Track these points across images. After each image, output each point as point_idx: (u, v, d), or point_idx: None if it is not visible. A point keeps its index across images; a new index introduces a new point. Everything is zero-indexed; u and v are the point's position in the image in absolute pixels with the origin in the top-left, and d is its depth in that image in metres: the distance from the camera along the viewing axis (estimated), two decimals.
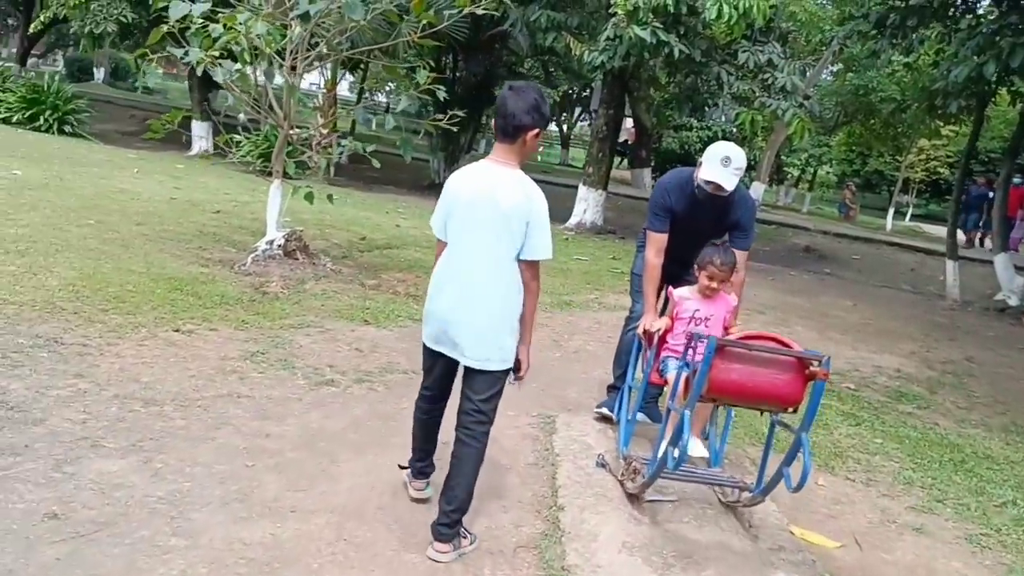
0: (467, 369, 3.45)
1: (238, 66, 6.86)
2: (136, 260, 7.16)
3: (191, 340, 5.42)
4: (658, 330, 4.31)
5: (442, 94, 7.64)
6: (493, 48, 19.55)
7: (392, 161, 18.84)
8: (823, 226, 21.85)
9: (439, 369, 3.61)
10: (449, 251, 3.43)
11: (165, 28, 6.92)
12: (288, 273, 7.78)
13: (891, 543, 4.24)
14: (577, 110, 38.97)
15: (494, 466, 4.27)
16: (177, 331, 5.52)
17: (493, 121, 3.39)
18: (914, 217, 31.16)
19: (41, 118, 17.87)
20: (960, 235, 22.49)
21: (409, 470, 3.86)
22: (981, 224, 22.49)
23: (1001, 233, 13.85)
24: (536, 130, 3.33)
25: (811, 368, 3.31)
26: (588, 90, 29.95)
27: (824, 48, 20.13)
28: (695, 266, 4.29)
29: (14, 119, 17.73)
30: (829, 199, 34.93)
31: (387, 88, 35.16)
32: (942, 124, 19.73)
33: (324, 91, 17.14)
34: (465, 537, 3.50)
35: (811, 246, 18.93)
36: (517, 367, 3.53)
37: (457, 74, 19.79)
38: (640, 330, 4.54)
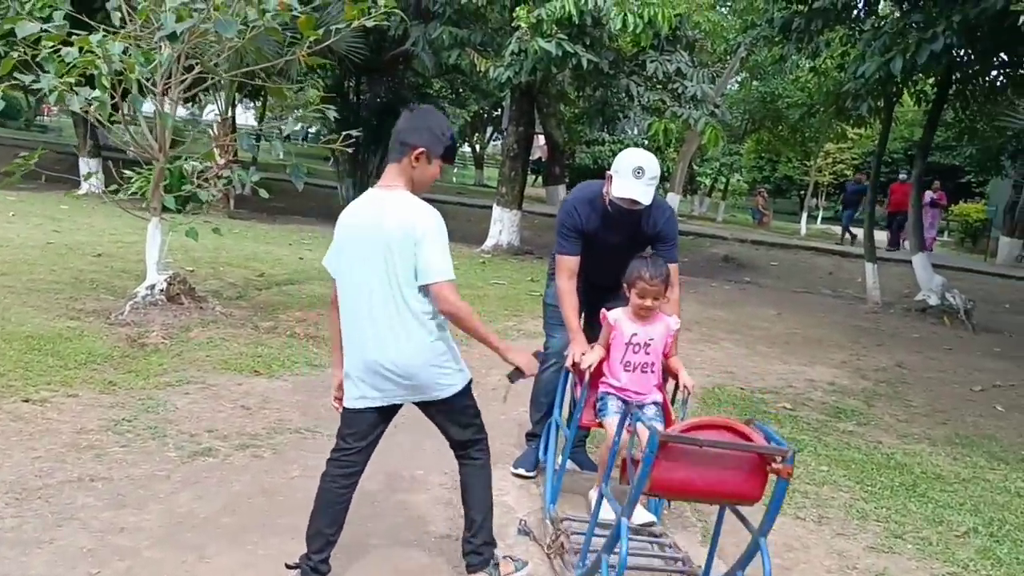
0: (425, 407, 3.24)
1: (96, 93, 6.09)
2: None
3: (43, 411, 4.65)
4: (590, 365, 3.75)
5: (332, 114, 7.03)
6: (397, 69, 18.97)
7: (297, 191, 18.04)
8: (739, 234, 21.81)
9: (369, 423, 3.22)
10: (343, 291, 3.17)
11: (16, 56, 6.14)
12: (171, 320, 7.01)
13: None
14: (489, 130, 38.62)
15: (398, 543, 3.65)
16: (27, 401, 4.74)
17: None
18: (825, 220, 31.65)
19: None
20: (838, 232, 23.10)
21: (299, 571, 3.18)
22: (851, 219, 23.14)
23: (916, 233, 13.83)
24: (422, 150, 3.11)
25: (773, 465, 2.76)
26: (499, 109, 29.61)
27: (730, 56, 20.15)
28: (624, 285, 3.76)
29: None
30: (742, 206, 35.27)
31: (294, 115, 34.14)
32: (849, 127, 19.89)
33: (218, 120, 16.27)
34: (509, 564, 3.32)
35: (729, 255, 18.78)
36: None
37: (360, 97, 19.12)
38: (568, 363, 3.98)
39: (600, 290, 4.35)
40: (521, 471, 4.49)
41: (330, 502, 3.19)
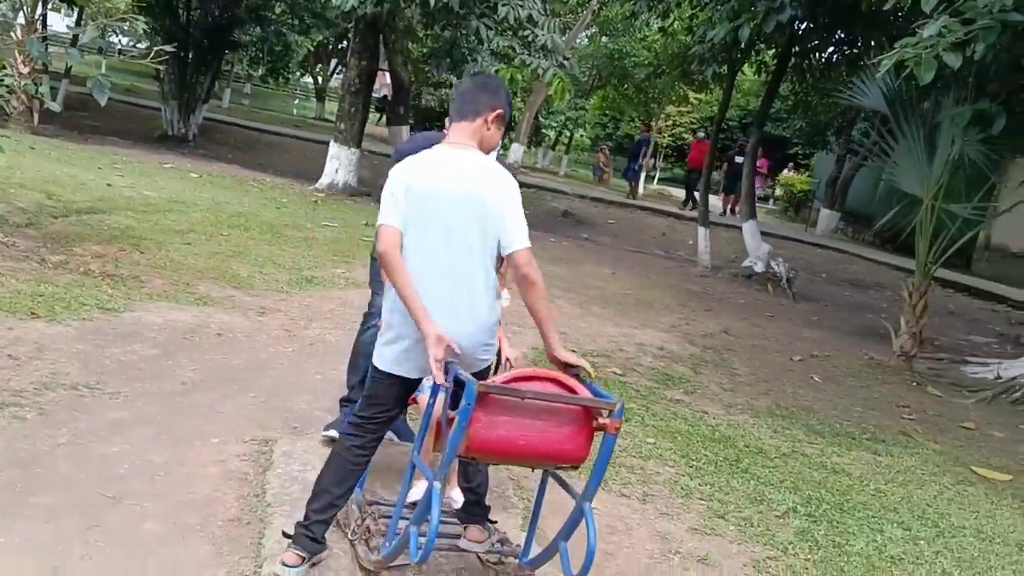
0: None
1: None
2: None
3: None
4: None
5: (142, 26, 6.21)
6: None
7: (117, 109, 16.56)
8: (579, 190, 21.89)
9: (401, 393, 3.04)
10: (412, 255, 2.84)
11: None
12: None
13: None
14: (333, 62, 36.99)
15: (179, 529, 3.15)
16: None
17: (450, 106, 3.13)
18: (661, 180, 32.34)
19: None
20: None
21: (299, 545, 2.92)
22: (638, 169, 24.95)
23: (748, 201, 14.16)
24: (500, 112, 3.01)
25: (599, 420, 2.48)
26: (344, 41, 28.30)
27: (583, 9, 19.96)
28: None
29: None
30: (584, 162, 35.56)
31: (97, 23, 31.24)
32: (692, 91, 20.20)
33: (23, 24, 14.51)
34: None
35: (569, 210, 18.75)
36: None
37: (191, 14, 17.65)
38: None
39: None
40: (332, 432, 4.04)
41: (346, 473, 2.99)
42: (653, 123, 28.86)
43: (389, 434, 3.96)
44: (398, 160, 3.76)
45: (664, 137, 30.49)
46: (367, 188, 15.26)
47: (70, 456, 3.53)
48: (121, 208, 8.98)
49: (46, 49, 6.74)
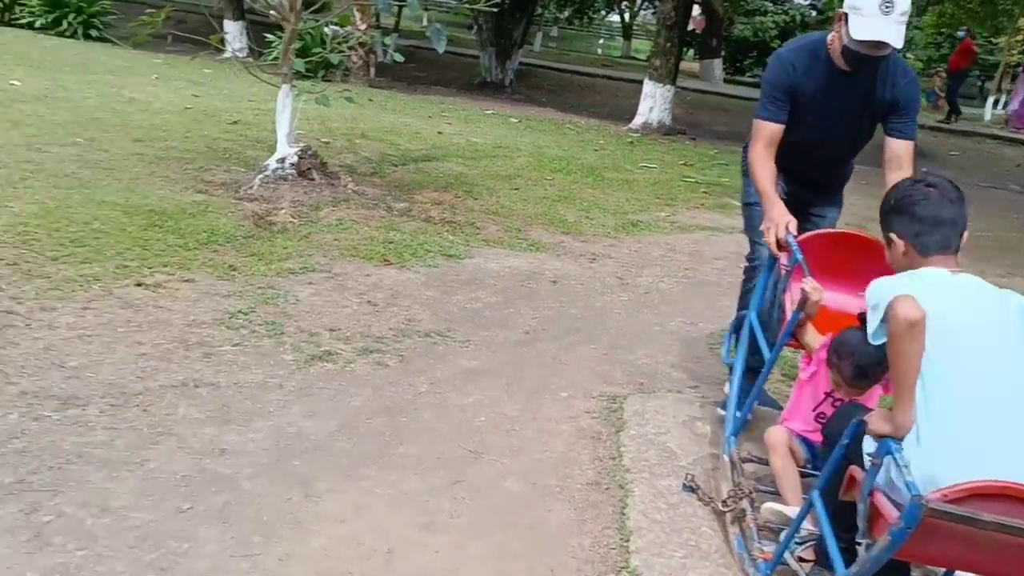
0: None
1: None
2: (116, 188, 5.98)
3: (155, 298, 4.25)
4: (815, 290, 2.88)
5: None
6: None
7: (439, 59, 17.35)
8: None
9: None
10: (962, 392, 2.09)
11: None
12: (301, 198, 6.55)
13: None
14: None
15: (539, 490, 3.06)
16: (140, 285, 4.35)
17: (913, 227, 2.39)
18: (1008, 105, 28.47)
19: (64, 22, 16.68)
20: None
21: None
22: None
23: None
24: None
25: None
26: None
27: None
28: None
29: (37, 24, 16.57)
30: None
31: None
32: None
33: None
34: None
35: None
36: None
37: None
38: (770, 239, 3.09)
39: (807, 188, 3.52)
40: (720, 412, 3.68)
41: None
42: (1001, 39, 25.32)
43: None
44: (778, 67, 3.31)
45: (1013, 56, 26.69)
46: (682, 127, 14.78)
47: (430, 406, 3.58)
48: (452, 155, 9.31)
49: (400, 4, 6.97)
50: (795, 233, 3.03)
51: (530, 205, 7.46)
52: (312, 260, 5.17)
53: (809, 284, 2.85)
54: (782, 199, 3.23)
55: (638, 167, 10.33)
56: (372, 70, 15.93)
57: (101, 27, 17.19)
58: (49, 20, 16.69)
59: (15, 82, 9.77)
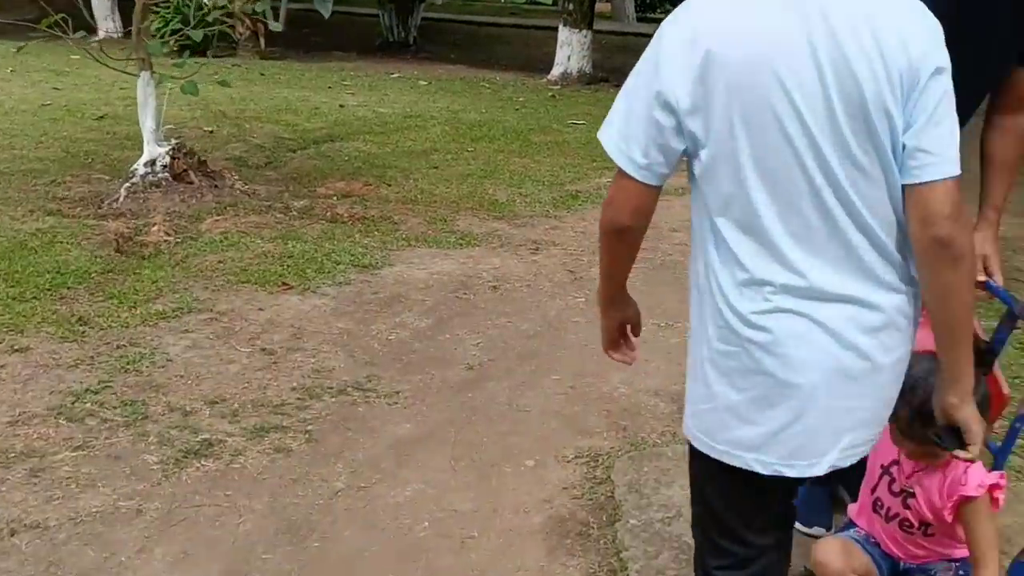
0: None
1: None
2: None
3: None
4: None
5: None
6: None
7: (335, 22, 15.95)
8: None
9: (782, 504, 1.71)
10: (715, 187, 1.49)
11: None
12: (177, 207, 5.44)
13: None
14: None
15: None
16: None
17: None
18: None
19: None
20: None
21: None
22: None
23: None
24: None
25: None
26: None
27: None
28: None
29: None
30: None
31: None
32: None
33: None
34: None
35: None
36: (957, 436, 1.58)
37: None
38: None
39: None
40: (816, 530, 2.69)
41: None
42: None
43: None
44: None
45: None
46: (603, 73, 13.82)
47: (352, 513, 2.61)
48: (357, 132, 8.21)
49: None
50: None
51: (453, 186, 6.45)
52: (189, 296, 4.11)
53: None
54: None
55: (566, 125, 9.36)
56: (262, 40, 14.50)
57: None
58: None
59: None
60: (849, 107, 1.38)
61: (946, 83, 1.42)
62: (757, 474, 1.55)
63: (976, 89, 2.22)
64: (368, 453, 2.93)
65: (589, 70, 13.35)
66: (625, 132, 1.51)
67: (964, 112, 2.26)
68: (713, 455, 1.60)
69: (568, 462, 2.94)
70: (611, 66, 15.00)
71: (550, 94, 11.91)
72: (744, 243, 1.48)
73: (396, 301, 4.24)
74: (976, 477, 1.78)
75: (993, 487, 1.77)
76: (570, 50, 13.26)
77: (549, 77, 13.19)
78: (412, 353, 3.71)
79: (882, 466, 2.01)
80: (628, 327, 1.77)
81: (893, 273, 1.49)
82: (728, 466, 1.57)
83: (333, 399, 3.26)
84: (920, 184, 1.41)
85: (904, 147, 1.42)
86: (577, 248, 5.26)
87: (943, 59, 1.42)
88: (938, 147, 1.41)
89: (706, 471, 1.66)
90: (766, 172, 1.44)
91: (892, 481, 1.98)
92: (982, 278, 2.30)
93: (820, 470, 1.53)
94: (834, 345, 1.47)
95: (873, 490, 2.04)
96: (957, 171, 1.43)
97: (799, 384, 1.48)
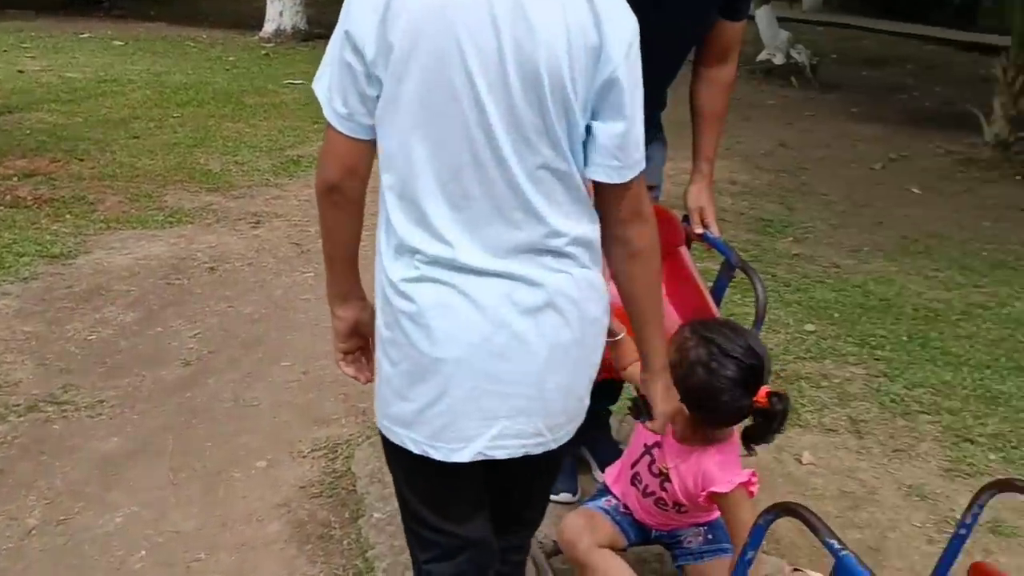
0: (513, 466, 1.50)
1: None
2: None
3: None
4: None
5: None
6: None
7: None
8: None
9: (473, 491, 1.58)
10: (398, 157, 1.36)
11: None
12: None
13: None
14: None
15: None
16: None
17: None
18: None
19: None
20: None
21: None
22: None
23: None
24: None
25: None
26: None
27: None
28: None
29: None
30: None
31: None
32: None
33: None
34: None
35: None
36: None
37: None
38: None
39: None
40: (563, 496, 2.58)
41: None
42: None
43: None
44: None
45: None
46: (319, 29, 13.28)
47: (52, 556, 2.23)
48: (42, 100, 7.27)
49: None
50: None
51: (159, 157, 5.86)
52: None
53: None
54: None
55: (283, 86, 8.86)
56: None
57: None
58: None
59: None
60: (525, 76, 1.28)
61: (634, 74, 1.35)
62: (432, 458, 1.44)
63: (682, 41, 2.22)
64: (68, 478, 2.53)
65: (304, 26, 12.76)
66: (331, 82, 1.35)
67: (672, 65, 2.27)
68: (382, 432, 1.50)
69: (304, 457, 2.72)
70: (329, 21, 14.37)
71: (263, 52, 11.26)
72: (400, 206, 1.37)
73: (95, 294, 3.75)
74: (727, 473, 1.77)
75: (744, 484, 1.77)
76: (282, 5, 12.58)
77: (261, 34, 12.46)
78: (117, 354, 3.28)
79: (645, 445, 1.98)
80: (365, 332, 1.57)
81: (559, 254, 1.40)
82: (403, 448, 1.46)
83: (21, 418, 2.80)
84: (604, 183, 1.39)
85: (589, 133, 1.36)
86: (303, 218, 4.96)
87: (633, 47, 1.34)
88: (623, 150, 1.36)
89: (389, 451, 1.54)
90: (429, 133, 1.31)
91: (652, 462, 1.95)
92: (699, 230, 2.34)
93: (464, 457, 1.42)
94: (482, 321, 1.36)
95: (633, 465, 2.01)
96: (642, 167, 1.41)
97: (443, 358, 1.37)
